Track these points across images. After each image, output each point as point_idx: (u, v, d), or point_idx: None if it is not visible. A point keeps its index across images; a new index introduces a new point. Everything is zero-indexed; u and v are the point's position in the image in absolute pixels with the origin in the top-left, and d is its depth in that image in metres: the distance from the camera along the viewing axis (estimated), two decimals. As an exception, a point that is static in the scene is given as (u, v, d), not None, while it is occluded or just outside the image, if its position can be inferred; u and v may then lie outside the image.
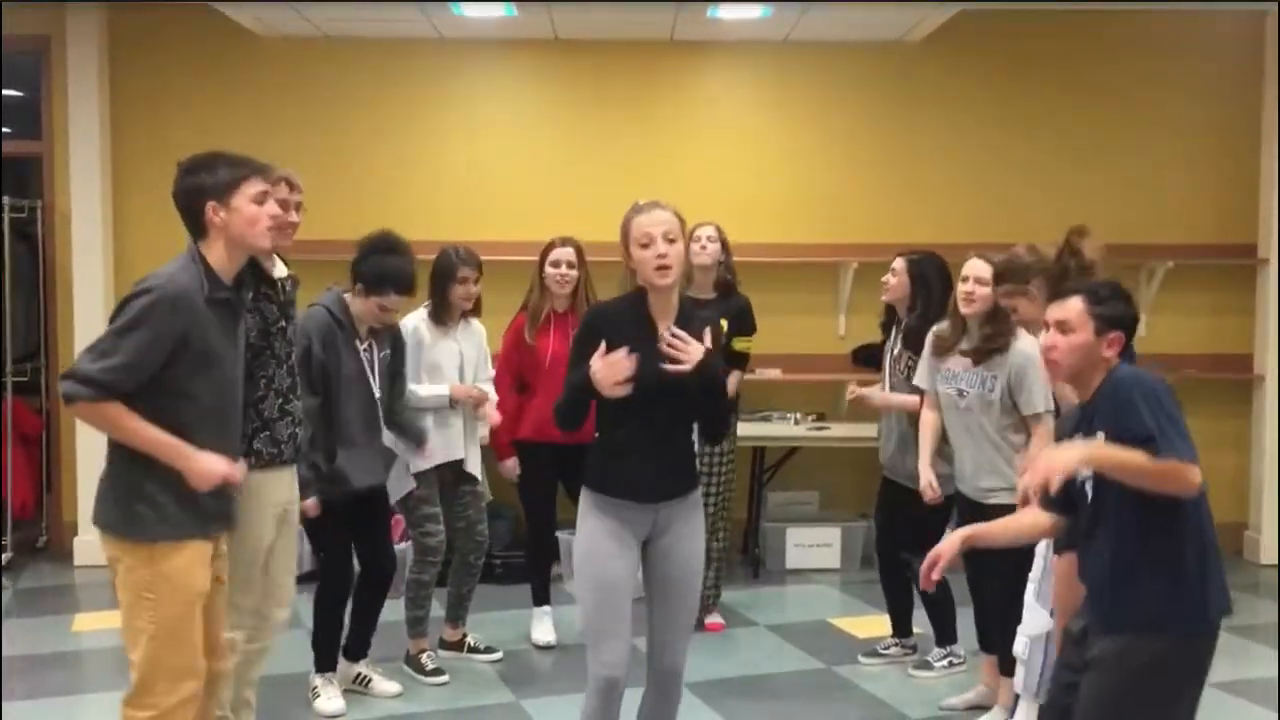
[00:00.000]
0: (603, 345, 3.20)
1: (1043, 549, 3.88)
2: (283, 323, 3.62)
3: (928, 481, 4.47)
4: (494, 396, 5.03)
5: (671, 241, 3.27)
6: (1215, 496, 2.82)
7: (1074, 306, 2.93)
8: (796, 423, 6.82)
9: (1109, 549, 2.83)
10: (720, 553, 5.62)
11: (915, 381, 4.55)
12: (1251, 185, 7.17)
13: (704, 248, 5.33)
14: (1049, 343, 2.96)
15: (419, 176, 7.12)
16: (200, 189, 3.04)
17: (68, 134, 6.88)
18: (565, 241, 5.20)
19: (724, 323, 3.59)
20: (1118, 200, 7.23)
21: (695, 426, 3.52)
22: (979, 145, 7.25)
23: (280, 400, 3.59)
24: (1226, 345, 7.25)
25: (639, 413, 3.27)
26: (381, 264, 4.44)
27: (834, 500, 7.08)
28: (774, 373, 6.92)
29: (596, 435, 3.43)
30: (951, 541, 3.02)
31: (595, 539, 3.34)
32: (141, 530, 3.00)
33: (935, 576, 2.99)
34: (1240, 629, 5.54)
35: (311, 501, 4.23)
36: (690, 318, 3.40)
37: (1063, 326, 2.93)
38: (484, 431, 5.22)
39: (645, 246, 3.27)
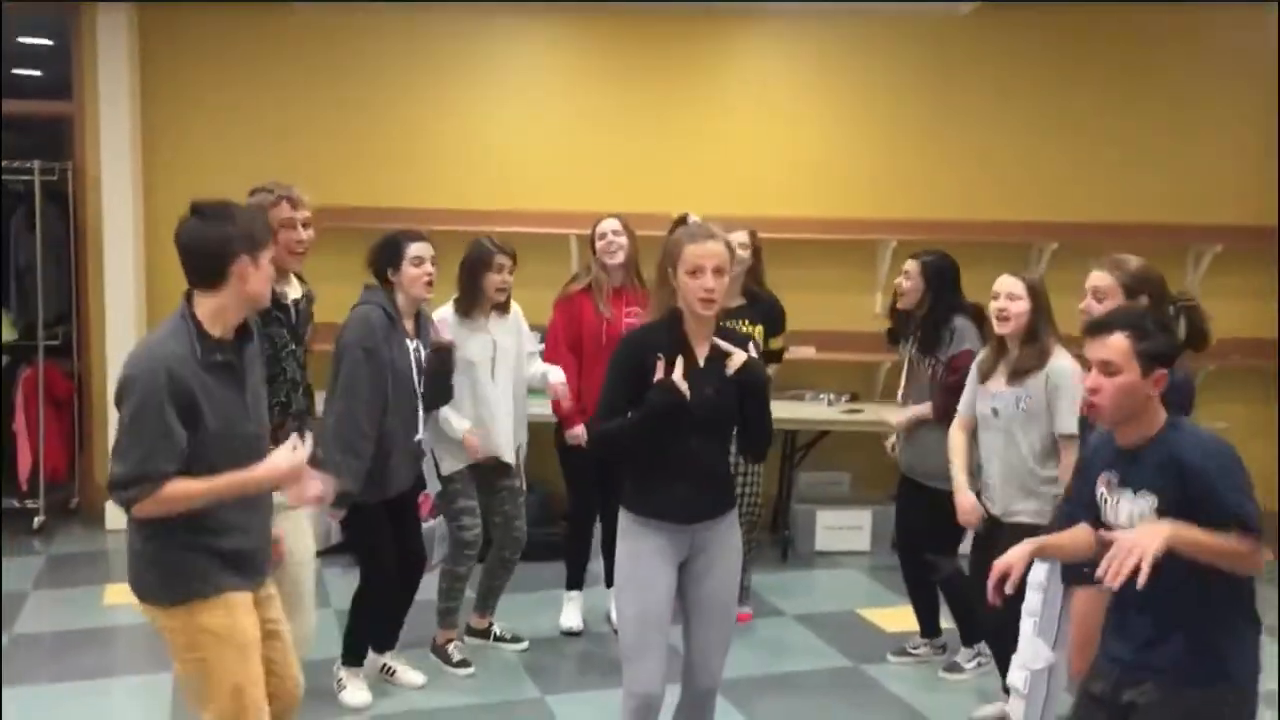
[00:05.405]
0: (660, 368, 3.22)
1: (1041, 580, 3.81)
2: (292, 345, 3.56)
3: (971, 505, 4.33)
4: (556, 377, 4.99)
5: (720, 275, 3.24)
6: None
7: (1118, 346, 2.75)
8: (830, 403, 6.74)
9: (1154, 596, 2.71)
10: (750, 548, 5.57)
11: (960, 409, 4.43)
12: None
13: (738, 258, 5.22)
14: (1093, 384, 2.79)
15: (450, 145, 7.00)
16: (234, 239, 2.88)
17: (98, 95, 6.81)
18: (610, 215, 5.24)
19: (754, 342, 3.51)
20: (1161, 179, 7.07)
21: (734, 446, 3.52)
22: (1021, 121, 7.08)
23: (297, 424, 3.54)
24: (1266, 330, 7.09)
25: (677, 435, 3.26)
26: (383, 242, 4.39)
27: (865, 481, 7.01)
28: (808, 350, 6.82)
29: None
30: (1021, 551, 2.93)
31: (635, 562, 3.35)
32: (177, 592, 2.93)
33: (1008, 590, 2.90)
34: (1266, 628, 5.41)
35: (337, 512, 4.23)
36: (727, 339, 3.39)
37: (1107, 368, 2.76)
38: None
39: (693, 275, 3.23)
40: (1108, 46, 7.03)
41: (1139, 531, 2.58)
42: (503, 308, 4.87)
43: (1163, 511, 2.71)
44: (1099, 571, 2.55)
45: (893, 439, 5.19)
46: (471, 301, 4.78)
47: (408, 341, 4.35)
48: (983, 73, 7.03)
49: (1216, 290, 6.94)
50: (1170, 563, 2.66)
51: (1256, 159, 7.12)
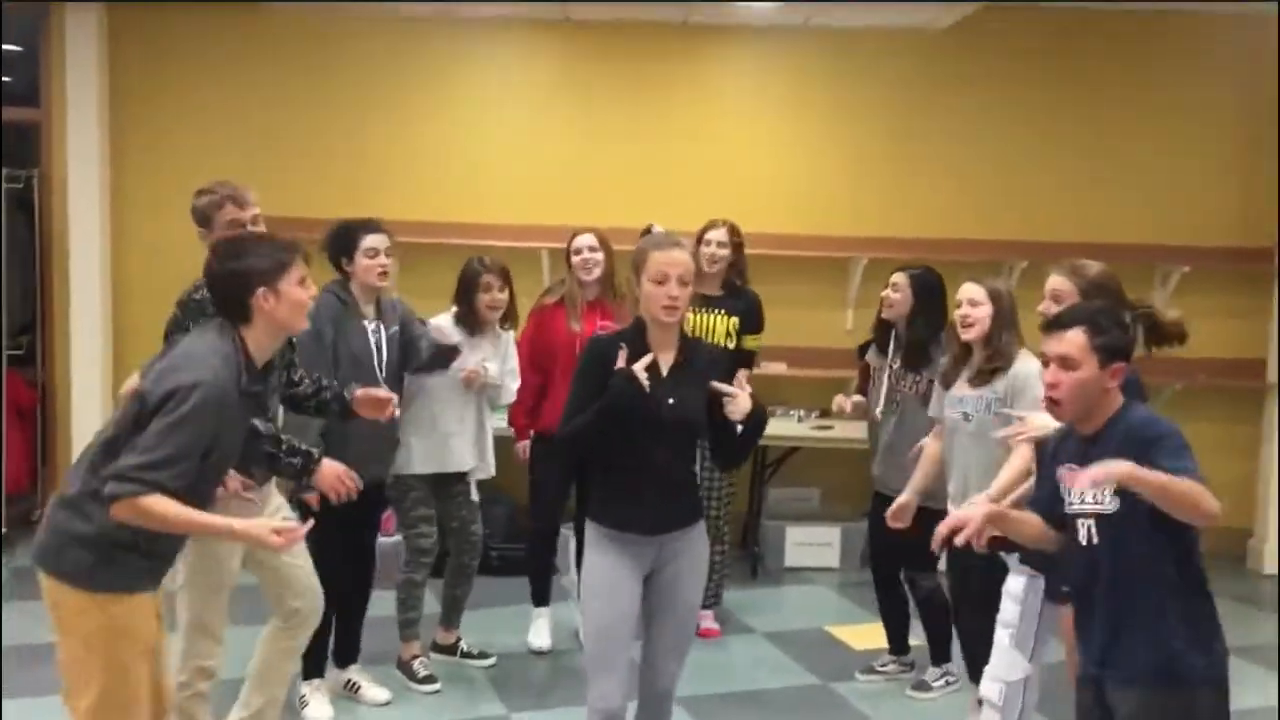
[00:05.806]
0: (622, 357, 3.24)
1: (1019, 592, 3.80)
2: None
3: (900, 505, 4.36)
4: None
5: (684, 285, 3.28)
6: (1222, 502, 2.66)
7: (1076, 340, 2.77)
8: (800, 419, 6.73)
9: (1122, 597, 2.75)
10: (721, 561, 5.55)
11: (930, 412, 4.44)
12: (1272, 186, 7.01)
13: (714, 255, 5.25)
14: (1051, 380, 2.81)
15: (423, 156, 6.98)
16: (248, 275, 2.90)
17: (66, 101, 6.76)
18: (586, 230, 5.23)
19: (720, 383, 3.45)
20: (1135, 199, 7.11)
21: (700, 454, 3.54)
22: (996, 139, 7.11)
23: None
24: (1240, 350, 7.13)
25: (640, 444, 3.26)
26: (336, 231, 4.43)
27: (835, 495, 7.00)
28: (779, 366, 6.82)
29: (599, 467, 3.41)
30: (977, 512, 2.88)
31: (600, 574, 3.35)
32: (100, 582, 2.86)
33: (958, 541, 2.86)
34: (1237, 649, 5.39)
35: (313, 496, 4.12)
36: (693, 353, 3.40)
37: (1065, 362, 2.78)
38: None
39: (658, 284, 3.26)
40: (1087, 64, 7.07)
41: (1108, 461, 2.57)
42: (505, 322, 4.92)
43: (1121, 492, 2.68)
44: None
45: (842, 401, 5.31)
46: (468, 320, 4.83)
47: (365, 323, 4.37)
48: (959, 89, 7.06)
49: (1185, 310, 6.95)
50: (1123, 565, 2.72)
51: (1232, 181, 7.17)
